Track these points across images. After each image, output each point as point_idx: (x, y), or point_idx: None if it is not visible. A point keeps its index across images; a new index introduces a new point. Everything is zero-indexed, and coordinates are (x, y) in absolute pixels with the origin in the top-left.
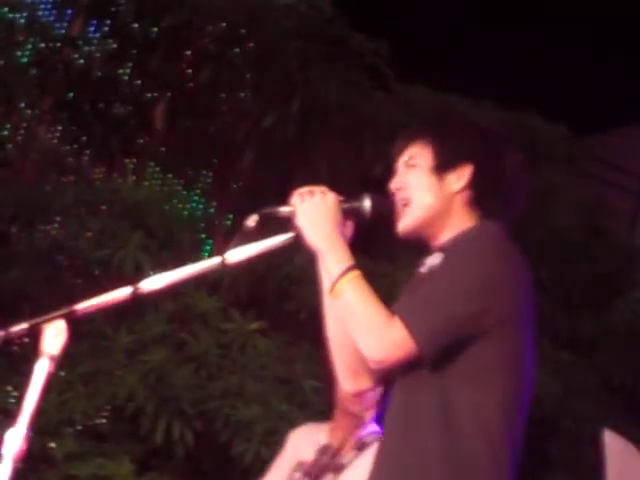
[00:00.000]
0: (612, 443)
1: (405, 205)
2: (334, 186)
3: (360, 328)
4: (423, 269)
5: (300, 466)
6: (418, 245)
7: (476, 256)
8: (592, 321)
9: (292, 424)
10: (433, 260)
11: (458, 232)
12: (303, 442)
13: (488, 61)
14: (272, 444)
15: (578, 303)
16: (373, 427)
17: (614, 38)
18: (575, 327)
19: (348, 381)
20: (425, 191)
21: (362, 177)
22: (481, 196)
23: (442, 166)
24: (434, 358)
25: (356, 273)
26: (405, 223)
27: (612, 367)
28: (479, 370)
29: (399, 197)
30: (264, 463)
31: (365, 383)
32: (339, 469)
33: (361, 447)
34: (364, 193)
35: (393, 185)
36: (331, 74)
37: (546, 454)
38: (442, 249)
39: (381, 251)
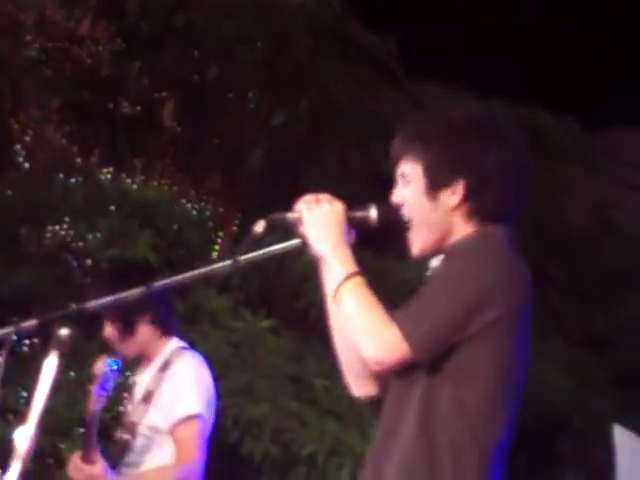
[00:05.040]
0: (622, 439)
1: (409, 226)
2: (344, 184)
3: (360, 331)
4: (429, 273)
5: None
6: None
7: (471, 262)
8: (604, 317)
9: (302, 422)
10: (435, 263)
11: (461, 237)
12: None
13: (497, 58)
14: (282, 442)
15: (590, 299)
16: (174, 343)
17: (623, 35)
18: (587, 323)
19: (355, 386)
20: (422, 213)
21: (372, 175)
22: (479, 206)
23: (434, 186)
24: (427, 361)
25: (358, 280)
26: (414, 249)
27: (624, 363)
28: (465, 368)
29: (404, 213)
30: (274, 461)
31: (372, 389)
32: (147, 399)
33: (163, 368)
34: (370, 202)
35: (394, 199)
36: (341, 72)
37: (557, 450)
38: (445, 252)
39: (390, 248)
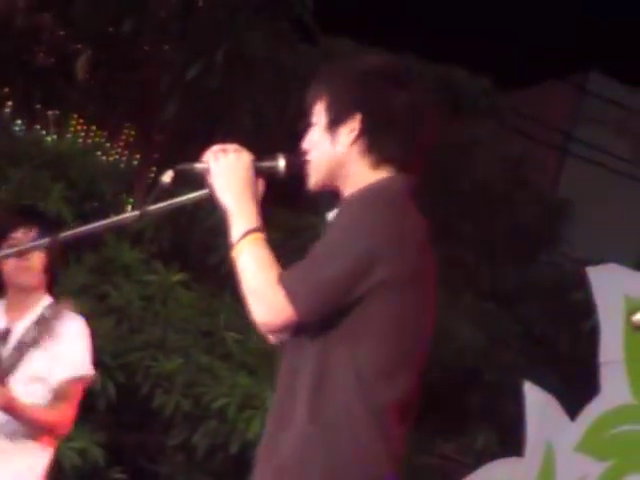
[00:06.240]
0: (532, 395)
1: (310, 164)
2: (259, 138)
3: (249, 291)
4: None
5: None
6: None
7: (362, 219)
8: (515, 273)
9: (213, 376)
10: (331, 215)
11: (360, 186)
12: None
13: (414, 15)
14: (192, 396)
15: (501, 255)
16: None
17: None
18: (498, 279)
19: (270, 336)
20: (321, 148)
21: (287, 129)
22: (374, 142)
23: (333, 122)
24: (313, 322)
25: (256, 236)
26: (309, 181)
27: (534, 318)
28: (359, 328)
29: (309, 155)
30: (184, 415)
31: (281, 336)
32: (22, 349)
33: (41, 322)
34: (278, 153)
35: (303, 145)
36: (257, 25)
37: (467, 405)
38: (340, 204)
39: (305, 203)
